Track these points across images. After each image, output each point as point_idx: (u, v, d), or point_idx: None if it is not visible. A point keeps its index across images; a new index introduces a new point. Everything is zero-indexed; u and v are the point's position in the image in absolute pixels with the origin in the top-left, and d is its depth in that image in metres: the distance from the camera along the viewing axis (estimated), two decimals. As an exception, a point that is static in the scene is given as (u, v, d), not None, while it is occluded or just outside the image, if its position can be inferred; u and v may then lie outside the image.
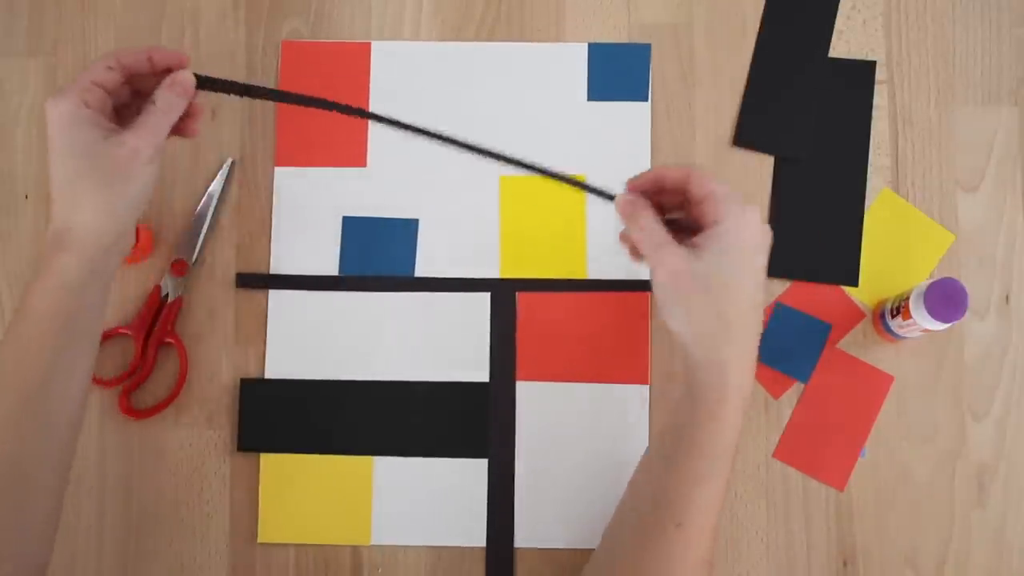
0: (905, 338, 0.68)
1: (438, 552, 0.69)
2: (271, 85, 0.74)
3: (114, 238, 0.57)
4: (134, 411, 0.70)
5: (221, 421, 0.71)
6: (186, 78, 0.59)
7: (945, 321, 0.61)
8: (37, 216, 0.73)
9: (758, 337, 0.58)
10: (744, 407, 0.57)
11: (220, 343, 0.71)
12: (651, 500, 0.59)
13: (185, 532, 0.70)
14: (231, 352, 0.71)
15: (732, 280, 0.57)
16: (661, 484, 0.59)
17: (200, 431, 0.71)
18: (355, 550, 0.69)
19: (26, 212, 0.73)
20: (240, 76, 0.74)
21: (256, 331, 0.72)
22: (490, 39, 0.74)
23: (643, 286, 0.71)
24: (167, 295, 0.71)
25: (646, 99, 0.73)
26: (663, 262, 0.57)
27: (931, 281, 0.62)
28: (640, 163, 0.72)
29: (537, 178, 0.71)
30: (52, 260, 0.56)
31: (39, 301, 0.56)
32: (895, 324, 0.66)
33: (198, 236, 0.71)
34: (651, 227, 0.58)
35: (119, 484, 0.70)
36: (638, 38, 0.74)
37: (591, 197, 0.71)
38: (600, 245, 0.72)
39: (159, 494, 0.70)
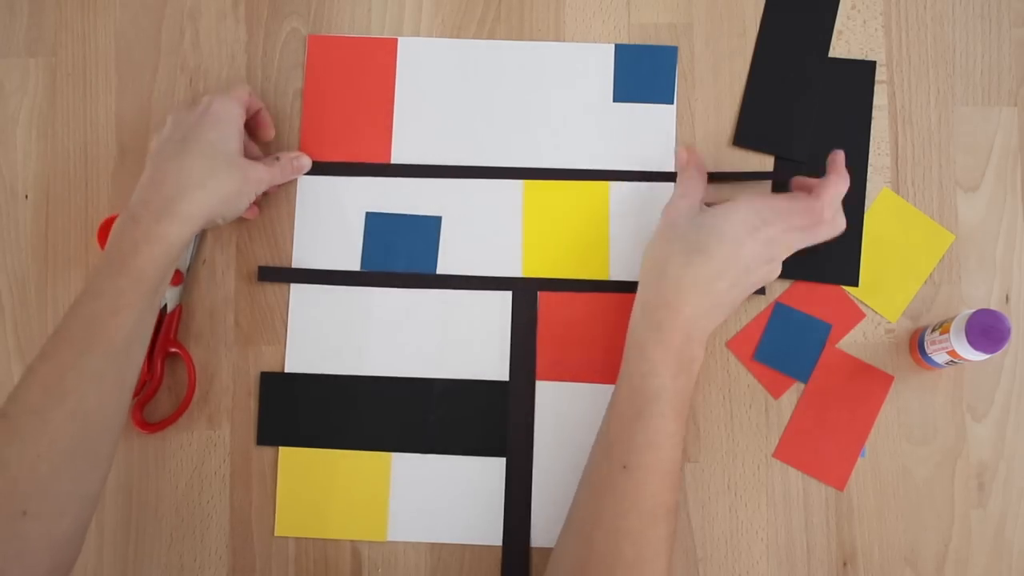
0: (935, 362, 0.67)
1: (439, 552, 0.69)
2: (274, 83, 0.74)
3: (208, 223, 0.65)
4: (149, 425, 0.70)
5: (221, 421, 0.71)
6: (306, 164, 0.72)
7: (982, 352, 0.61)
8: (37, 216, 0.73)
9: (696, 311, 0.62)
10: (677, 357, 0.61)
11: (219, 344, 0.71)
12: (600, 445, 0.63)
13: (185, 532, 0.70)
14: (230, 353, 0.71)
15: (687, 249, 0.63)
16: (605, 427, 0.63)
17: (200, 431, 0.71)
18: (356, 551, 0.69)
19: (26, 212, 0.73)
20: (239, 76, 0.74)
21: (256, 330, 0.72)
22: (490, 38, 0.74)
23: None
24: (166, 305, 0.71)
25: (672, 101, 0.73)
26: (670, 203, 0.67)
27: (973, 311, 0.62)
28: (665, 165, 0.72)
29: (561, 181, 0.72)
30: (163, 228, 0.60)
31: (142, 263, 0.60)
32: (930, 339, 0.66)
33: (190, 244, 0.71)
34: (688, 180, 0.68)
35: (119, 484, 0.70)
36: (638, 38, 0.74)
37: (614, 200, 0.71)
38: (623, 247, 0.71)
39: (159, 495, 0.70)
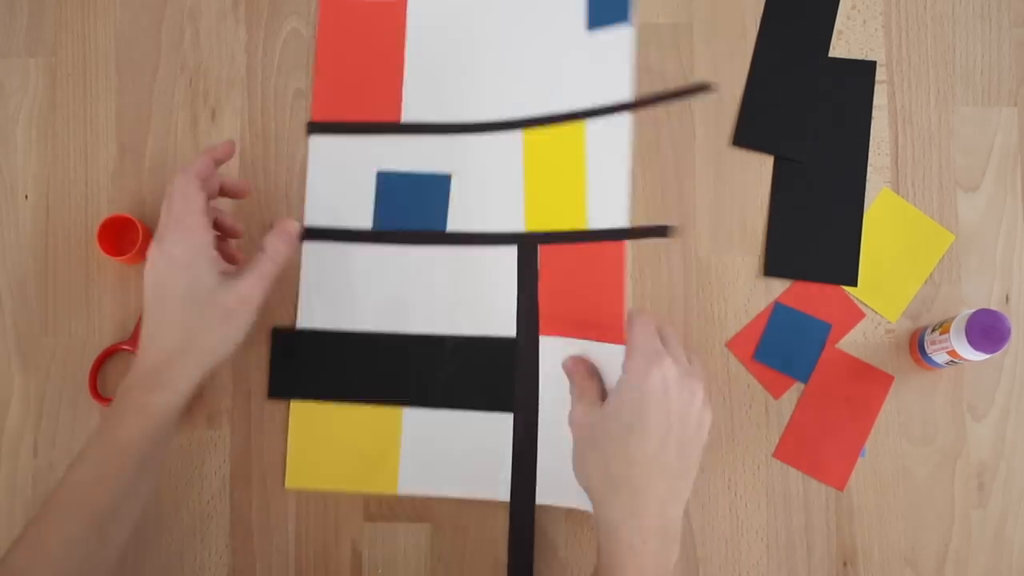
0: (935, 362, 0.67)
1: (439, 553, 0.69)
2: (274, 83, 0.74)
3: (207, 377, 0.61)
4: None
5: (221, 421, 0.71)
6: (292, 227, 0.64)
7: (982, 352, 0.62)
8: (37, 216, 0.73)
9: (665, 497, 0.57)
10: (648, 569, 0.56)
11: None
12: None
13: (185, 532, 0.70)
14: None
15: (620, 437, 0.57)
16: None
17: (200, 432, 0.71)
18: (356, 551, 0.69)
19: (26, 212, 0.73)
20: (240, 76, 0.74)
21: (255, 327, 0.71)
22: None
23: (660, 232, 0.71)
24: None
25: (627, 19, 0.73)
26: (571, 414, 0.62)
27: (973, 311, 0.62)
28: (621, 93, 0.72)
29: (559, 128, 0.71)
30: (148, 399, 0.59)
31: (126, 433, 0.58)
32: (930, 339, 0.66)
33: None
34: (581, 381, 0.64)
35: (119, 484, 0.70)
36: (638, 38, 0.74)
37: (592, 143, 0.71)
38: (600, 192, 0.71)
39: (159, 494, 0.70)
